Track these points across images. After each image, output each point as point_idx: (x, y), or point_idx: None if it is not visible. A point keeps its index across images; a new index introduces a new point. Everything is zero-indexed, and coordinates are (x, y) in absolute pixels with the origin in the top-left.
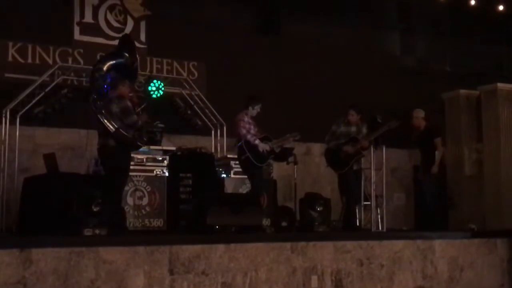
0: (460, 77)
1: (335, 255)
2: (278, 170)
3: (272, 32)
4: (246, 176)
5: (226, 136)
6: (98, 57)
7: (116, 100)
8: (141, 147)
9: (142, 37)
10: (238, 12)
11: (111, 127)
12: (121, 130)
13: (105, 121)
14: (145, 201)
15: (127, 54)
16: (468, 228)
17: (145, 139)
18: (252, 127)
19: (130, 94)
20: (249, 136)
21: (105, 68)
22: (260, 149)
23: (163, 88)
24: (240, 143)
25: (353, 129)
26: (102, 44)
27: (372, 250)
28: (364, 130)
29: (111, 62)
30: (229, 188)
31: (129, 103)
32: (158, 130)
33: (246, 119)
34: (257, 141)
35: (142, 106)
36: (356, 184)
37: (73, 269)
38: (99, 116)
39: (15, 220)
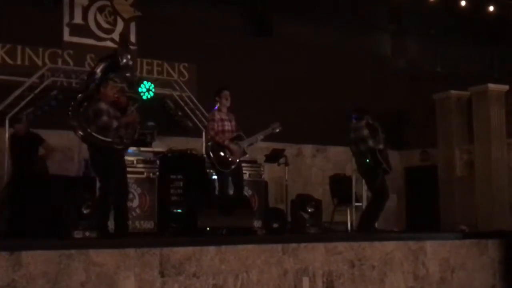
0: (451, 78)
1: (326, 257)
2: (269, 171)
3: (264, 33)
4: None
5: None
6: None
7: (92, 103)
8: (119, 149)
9: (132, 38)
10: (230, 14)
11: (80, 132)
12: (94, 134)
13: (76, 125)
14: (135, 203)
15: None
16: (459, 229)
17: (125, 141)
18: (226, 123)
19: (116, 95)
20: (217, 138)
21: (99, 71)
22: (232, 151)
23: (153, 90)
24: (207, 145)
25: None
26: (92, 45)
27: (363, 252)
28: None
29: (104, 64)
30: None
31: (102, 105)
32: (149, 132)
33: (216, 117)
34: (226, 142)
35: (135, 107)
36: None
37: (63, 272)
38: (70, 122)
39: (4, 222)
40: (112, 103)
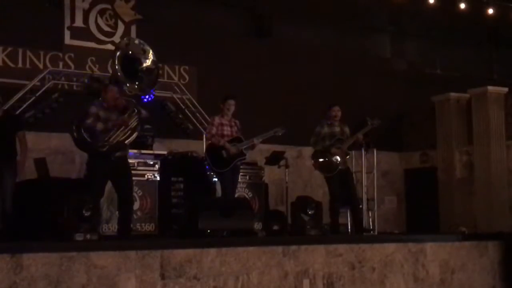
0: (451, 80)
1: (326, 259)
2: (269, 174)
3: (264, 36)
4: (239, 180)
5: None
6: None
7: (85, 106)
8: (103, 152)
9: None
10: (230, 16)
11: (74, 134)
12: (81, 136)
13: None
14: (136, 205)
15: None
16: (459, 231)
17: (108, 142)
18: (226, 128)
19: (117, 96)
20: (213, 139)
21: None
22: (227, 149)
23: (154, 92)
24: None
25: (337, 129)
26: (93, 48)
27: (363, 253)
28: (347, 130)
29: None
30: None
31: (92, 108)
32: (149, 134)
33: (216, 121)
34: (221, 142)
35: (129, 112)
36: (344, 185)
37: (64, 274)
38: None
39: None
40: (111, 107)
